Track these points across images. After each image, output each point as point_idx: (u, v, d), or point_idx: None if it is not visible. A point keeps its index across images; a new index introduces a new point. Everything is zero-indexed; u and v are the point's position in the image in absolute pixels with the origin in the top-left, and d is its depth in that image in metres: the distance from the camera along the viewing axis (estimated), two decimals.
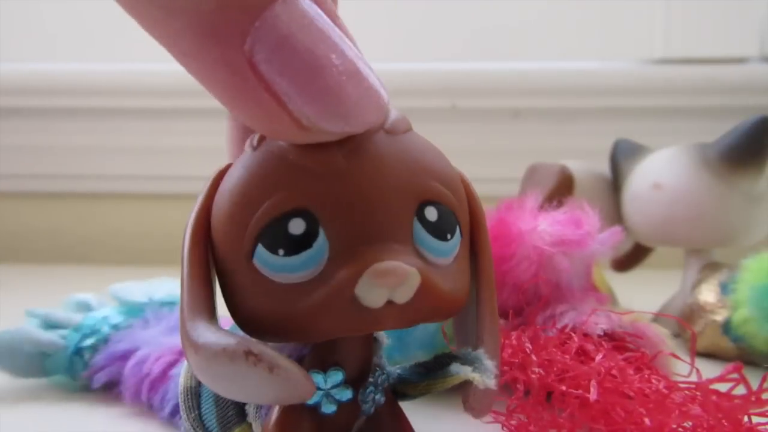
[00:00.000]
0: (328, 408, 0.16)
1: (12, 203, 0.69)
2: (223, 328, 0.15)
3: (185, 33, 0.13)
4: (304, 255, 0.15)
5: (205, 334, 0.14)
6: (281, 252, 0.15)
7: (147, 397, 0.24)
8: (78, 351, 0.27)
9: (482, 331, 0.17)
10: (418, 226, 0.15)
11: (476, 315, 0.18)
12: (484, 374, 0.16)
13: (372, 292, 0.14)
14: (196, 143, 0.65)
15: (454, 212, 0.16)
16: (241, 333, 0.15)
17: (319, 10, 0.13)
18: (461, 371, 0.17)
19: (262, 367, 0.14)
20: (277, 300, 0.15)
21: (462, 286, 0.16)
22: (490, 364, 0.17)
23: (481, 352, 0.17)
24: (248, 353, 0.14)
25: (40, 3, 0.66)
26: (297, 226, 0.15)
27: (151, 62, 0.62)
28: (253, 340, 0.14)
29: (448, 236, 0.16)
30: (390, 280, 0.14)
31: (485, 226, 0.18)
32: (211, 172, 0.17)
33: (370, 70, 0.14)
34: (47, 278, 0.57)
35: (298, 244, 0.15)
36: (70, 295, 0.30)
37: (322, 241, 0.15)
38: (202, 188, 0.16)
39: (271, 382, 0.14)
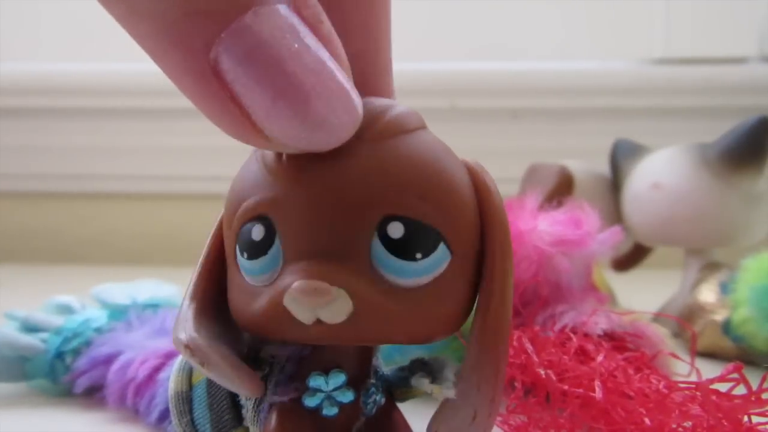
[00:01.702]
0: (330, 410, 0.16)
1: (12, 203, 0.69)
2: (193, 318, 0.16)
3: (151, 37, 0.13)
4: (261, 261, 0.15)
5: (182, 320, 0.16)
6: (245, 255, 0.15)
7: (132, 402, 0.24)
8: (59, 355, 0.26)
9: (467, 366, 0.16)
10: (377, 244, 0.14)
11: (469, 344, 0.16)
12: (443, 385, 0.16)
13: (296, 309, 0.14)
14: (196, 143, 0.65)
15: (436, 229, 0.15)
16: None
17: (296, 20, 0.13)
18: (420, 385, 0.16)
19: (196, 360, 0.15)
20: (244, 299, 0.15)
21: (442, 308, 0.15)
22: (450, 373, 0.16)
23: (445, 360, 0.16)
24: (185, 346, 0.15)
25: (40, 3, 0.66)
26: (258, 232, 0.15)
27: (151, 62, 0.62)
28: (195, 336, 0.15)
29: (418, 255, 0.14)
30: (311, 299, 0.14)
31: (504, 246, 0.16)
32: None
33: (346, 82, 0.13)
34: (47, 278, 0.57)
35: (257, 250, 0.15)
36: (89, 291, 0.30)
37: (276, 249, 0.15)
38: None
39: (213, 375, 0.15)
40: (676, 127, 0.59)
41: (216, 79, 0.12)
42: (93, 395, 0.26)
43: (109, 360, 0.25)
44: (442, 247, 0.15)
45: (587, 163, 0.40)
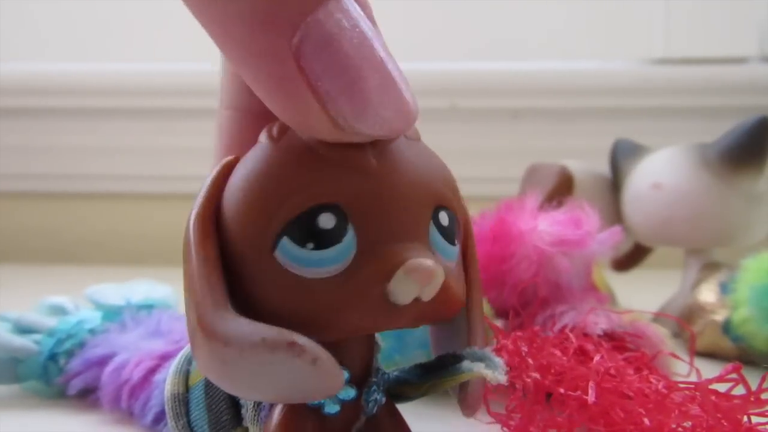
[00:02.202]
0: (332, 408, 0.16)
1: (12, 203, 0.69)
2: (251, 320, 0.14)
3: (238, 18, 0.13)
4: (334, 249, 0.15)
5: (235, 324, 0.14)
6: (310, 246, 0.14)
7: (127, 404, 0.24)
8: (53, 356, 0.26)
9: (474, 337, 0.18)
10: (434, 229, 0.16)
11: (467, 321, 0.18)
12: (495, 370, 0.17)
13: (405, 288, 0.14)
14: (196, 143, 0.64)
15: (458, 219, 0.17)
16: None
17: (364, 16, 0.14)
18: (474, 368, 0.17)
19: (305, 359, 0.13)
20: (301, 294, 0.15)
21: (462, 290, 0.17)
22: (499, 360, 0.17)
23: (489, 350, 0.17)
24: (292, 344, 0.13)
25: (41, 3, 0.67)
26: (327, 221, 0.15)
27: (151, 62, 0.62)
28: (292, 332, 0.14)
29: (456, 241, 0.16)
30: (422, 276, 0.14)
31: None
32: (212, 167, 0.17)
33: (403, 78, 0.14)
34: (45, 278, 0.57)
35: (328, 238, 0.15)
36: (43, 297, 0.30)
37: (350, 236, 0.15)
38: (204, 182, 0.16)
39: (311, 375, 0.14)
40: (676, 127, 0.59)
41: (296, 63, 0.13)
42: (86, 397, 0.26)
43: (103, 361, 0.25)
44: (459, 234, 0.17)
45: (587, 163, 0.40)
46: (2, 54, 0.65)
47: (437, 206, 0.16)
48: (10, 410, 0.26)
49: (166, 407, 0.18)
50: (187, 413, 0.18)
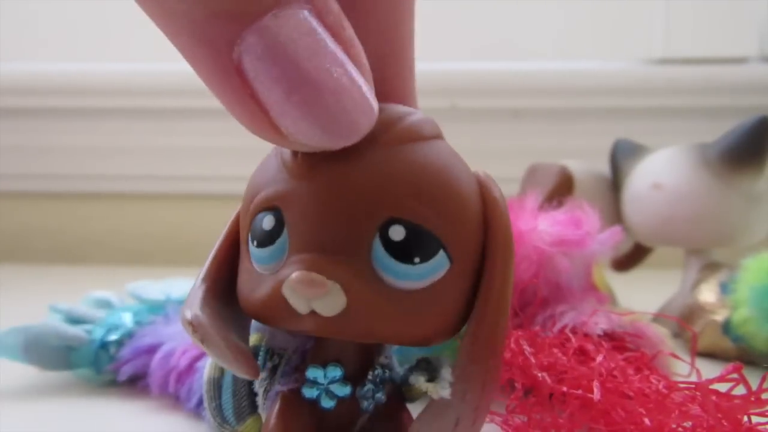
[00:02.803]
0: (327, 403, 0.16)
1: (12, 203, 0.69)
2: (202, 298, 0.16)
3: (180, 35, 0.13)
4: (269, 249, 0.16)
5: (190, 298, 0.16)
6: (255, 243, 0.16)
7: (174, 389, 0.25)
8: (104, 345, 0.28)
9: (454, 372, 0.16)
10: (378, 244, 0.15)
11: (459, 353, 0.16)
12: (439, 384, 0.16)
13: (293, 298, 0.15)
14: (196, 143, 0.65)
15: (436, 235, 0.15)
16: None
17: (316, 24, 0.14)
18: (417, 383, 0.16)
19: (196, 337, 0.15)
20: (251, 285, 0.16)
21: (436, 314, 0.15)
22: (446, 372, 0.16)
23: (443, 360, 0.16)
24: (188, 323, 0.15)
25: (41, 3, 0.67)
26: (268, 222, 0.16)
27: (151, 62, 0.62)
28: (199, 313, 0.16)
29: (416, 259, 0.15)
30: (307, 290, 0.14)
31: (507, 257, 0.16)
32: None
33: (361, 84, 0.14)
34: (47, 278, 0.57)
35: (266, 239, 0.16)
36: (88, 292, 0.31)
37: (284, 239, 0.15)
38: None
39: (209, 353, 0.15)
40: (676, 127, 0.59)
41: (238, 77, 0.13)
42: (135, 384, 0.27)
43: (151, 350, 0.27)
44: (441, 254, 0.15)
45: (587, 163, 0.40)
46: (2, 54, 0.65)
47: (389, 219, 0.15)
48: (63, 396, 0.27)
49: (203, 390, 0.19)
50: (219, 396, 0.18)
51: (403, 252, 0.15)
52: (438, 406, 0.16)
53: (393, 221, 0.15)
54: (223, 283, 0.17)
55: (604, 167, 0.41)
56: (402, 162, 0.15)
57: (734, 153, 0.34)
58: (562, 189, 0.37)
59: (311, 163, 0.15)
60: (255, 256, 0.16)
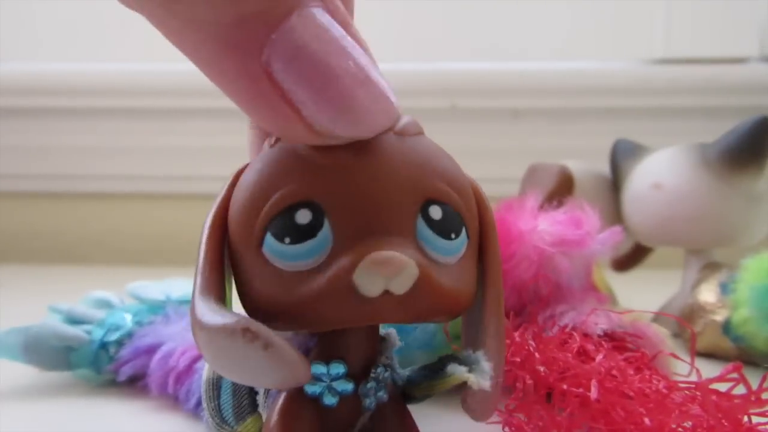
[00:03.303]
0: (330, 400, 0.17)
1: (12, 203, 0.69)
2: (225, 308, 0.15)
3: (205, 44, 0.14)
4: (309, 244, 0.15)
5: (209, 311, 0.15)
6: (287, 240, 0.15)
7: (173, 390, 0.25)
8: (103, 345, 0.28)
9: (486, 335, 0.17)
10: (421, 223, 0.16)
11: (481, 318, 0.18)
12: (480, 375, 0.17)
13: (369, 280, 0.15)
14: (196, 143, 0.65)
15: (461, 214, 0.17)
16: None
17: (334, 21, 0.14)
18: (457, 371, 0.17)
19: (258, 345, 0.14)
20: (282, 287, 0.16)
21: (465, 287, 0.17)
22: (486, 365, 0.17)
23: (480, 354, 0.17)
24: (245, 330, 0.14)
25: (40, 3, 0.67)
26: (303, 216, 0.15)
27: (151, 62, 0.62)
28: (251, 319, 0.15)
29: (452, 236, 0.16)
30: (386, 268, 0.15)
31: (494, 233, 0.18)
32: (227, 169, 0.18)
33: (380, 76, 0.15)
34: (47, 278, 0.57)
35: (303, 233, 0.15)
36: (88, 292, 0.31)
37: (326, 231, 0.15)
38: (222, 187, 0.17)
39: (266, 361, 0.14)
40: (676, 127, 0.59)
41: (268, 80, 0.13)
42: (135, 384, 0.27)
43: (151, 350, 0.26)
44: (464, 231, 0.17)
45: (587, 163, 0.40)
46: (2, 54, 0.65)
47: (427, 200, 0.16)
48: (63, 397, 0.27)
49: (202, 390, 0.19)
50: (219, 396, 0.18)
51: (442, 229, 0.16)
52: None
53: (431, 201, 0.16)
54: (220, 294, 0.16)
55: (604, 167, 0.40)
56: (424, 150, 0.17)
57: (734, 153, 0.34)
58: (562, 189, 0.37)
59: (343, 155, 0.15)
60: (286, 254, 0.15)
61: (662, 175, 0.36)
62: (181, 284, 0.31)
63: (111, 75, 0.65)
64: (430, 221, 0.16)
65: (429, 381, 0.18)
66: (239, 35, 0.13)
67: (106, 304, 0.30)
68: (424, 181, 0.16)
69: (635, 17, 0.63)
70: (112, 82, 0.65)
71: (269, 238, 0.16)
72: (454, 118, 0.63)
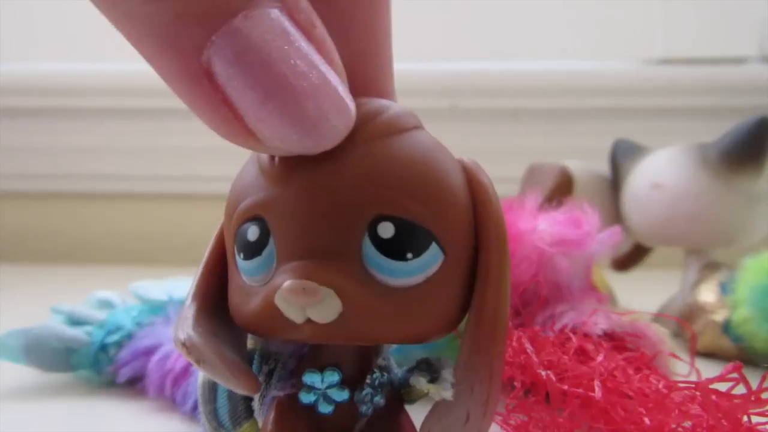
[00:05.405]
0: (325, 408, 0.16)
1: (12, 203, 0.69)
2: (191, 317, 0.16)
3: (144, 39, 0.13)
4: (256, 261, 0.15)
5: (181, 318, 0.16)
6: (241, 255, 0.15)
7: (170, 392, 0.25)
8: (103, 347, 0.28)
9: (458, 366, 0.16)
10: (368, 244, 0.14)
11: (466, 336, 0.16)
12: (440, 385, 0.16)
13: (287, 308, 0.14)
14: (196, 143, 0.65)
15: (426, 228, 0.15)
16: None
17: (287, 24, 0.13)
18: (418, 384, 0.16)
19: (191, 359, 0.15)
20: (242, 299, 0.16)
21: (439, 309, 0.15)
22: (448, 374, 0.16)
23: (445, 361, 0.16)
24: (182, 345, 0.15)
25: (40, 3, 0.67)
26: (252, 233, 0.15)
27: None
28: (194, 334, 0.15)
29: (409, 255, 0.14)
30: (298, 299, 0.14)
31: (500, 246, 0.16)
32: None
33: (337, 85, 0.13)
34: (47, 278, 0.57)
35: (252, 250, 0.15)
36: (88, 292, 0.32)
37: (271, 249, 0.15)
38: None
39: (206, 372, 0.15)
40: (676, 127, 0.59)
41: (208, 82, 0.13)
42: (134, 385, 0.27)
43: (149, 352, 0.27)
44: (434, 247, 0.15)
45: (587, 163, 0.40)
46: (2, 54, 0.65)
47: (377, 217, 0.14)
48: (63, 397, 0.27)
49: (198, 393, 0.19)
50: (215, 400, 0.18)
51: (394, 249, 0.14)
52: (446, 404, 0.16)
53: (381, 218, 0.14)
54: (215, 298, 0.17)
55: (604, 167, 0.41)
56: (383, 157, 0.15)
57: (734, 153, 0.34)
58: (562, 189, 0.37)
59: (290, 167, 0.15)
60: (242, 269, 0.16)
61: (662, 175, 0.36)
62: (183, 284, 0.31)
63: (111, 75, 0.65)
64: (378, 241, 0.14)
65: (405, 387, 0.17)
66: (177, 34, 0.12)
67: (107, 305, 0.30)
68: (376, 195, 0.14)
69: (635, 17, 0.63)
70: (111, 82, 0.65)
71: (235, 251, 0.16)
72: (454, 118, 0.63)
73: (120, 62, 0.65)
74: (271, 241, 0.15)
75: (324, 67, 0.13)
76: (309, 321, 0.14)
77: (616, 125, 0.59)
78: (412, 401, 0.18)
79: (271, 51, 0.12)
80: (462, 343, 0.16)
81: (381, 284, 0.14)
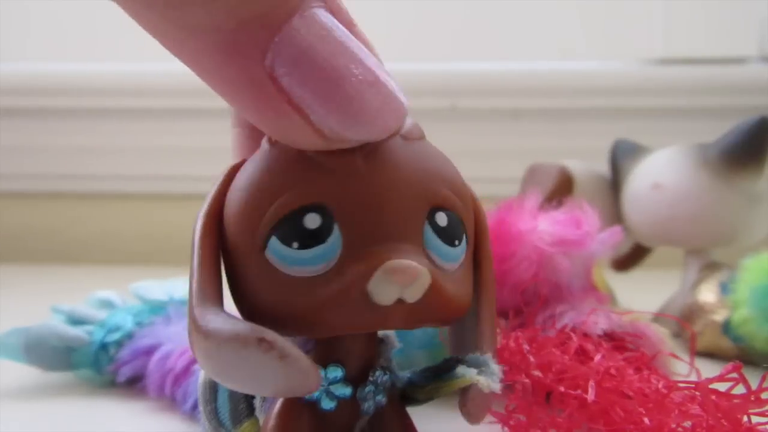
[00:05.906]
0: (328, 404, 0.16)
1: (12, 203, 0.69)
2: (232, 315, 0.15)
3: (206, 51, 0.13)
4: (318, 249, 0.15)
5: (216, 319, 0.14)
6: (295, 245, 0.15)
7: (171, 391, 0.25)
8: (103, 346, 0.28)
9: (481, 340, 0.18)
10: (428, 230, 0.16)
11: (476, 323, 0.18)
12: (490, 378, 0.17)
13: (385, 289, 0.14)
14: (196, 143, 0.65)
15: (462, 220, 0.17)
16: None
17: (337, 21, 0.14)
18: (467, 374, 0.17)
19: (273, 355, 0.14)
20: (288, 292, 0.15)
21: (465, 293, 0.17)
22: (496, 367, 0.17)
23: (489, 357, 0.17)
24: (261, 340, 0.14)
25: (40, 3, 0.66)
26: (312, 221, 0.15)
27: (151, 62, 0.62)
28: (264, 328, 0.14)
29: (456, 242, 0.16)
30: (403, 277, 0.14)
31: (488, 239, 0.18)
32: (221, 168, 0.17)
33: (388, 76, 0.14)
34: (47, 278, 0.57)
35: (312, 238, 0.15)
36: (88, 292, 0.31)
37: (336, 236, 0.15)
38: (213, 183, 0.17)
39: (280, 371, 0.14)
40: (676, 127, 0.59)
41: (273, 85, 0.13)
42: (135, 385, 0.27)
43: (150, 351, 0.27)
44: (464, 237, 0.17)
45: (587, 163, 0.40)
46: (2, 54, 0.65)
47: (433, 207, 0.16)
48: (64, 397, 0.27)
49: (198, 393, 0.19)
50: (215, 399, 0.18)
51: (447, 236, 0.16)
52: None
53: (437, 209, 0.16)
54: (219, 302, 0.16)
55: (604, 167, 0.41)
56: (428, 155, 0.17)
57: (734, 153, 0.34)
58: (562, 189, 0.37)
59: (352, 159, 0.15)
60: (293, 259, 0.15)
61: (662, 175, 0.36)
62: (183, 284, 0.31)
63: (110, 75, 0.65)
64: (436, 228, 0.16)
65: (434, 383, 0.17)
66: (241, 41, 0.13)
67: (108, 304, 0.30)
68: (431, 187, 0.16)
69: (635, 17, 0.63)
70: (111, 82, 0.65)
71: (274, 242, 0.15)
72: (454, 118, 0.63)
73: (119, 62, 0.65)
74: (336, 228, 0.15)
75: (373, 60, 0.14)
76: (397, 304, 0.15)
77: (616, 125, 0.59)
78: (419, 402, 0.18)
79: (327, 47, 0.13)
80: (478, 317, 0.18)
81: (439, 268, 0.16)
